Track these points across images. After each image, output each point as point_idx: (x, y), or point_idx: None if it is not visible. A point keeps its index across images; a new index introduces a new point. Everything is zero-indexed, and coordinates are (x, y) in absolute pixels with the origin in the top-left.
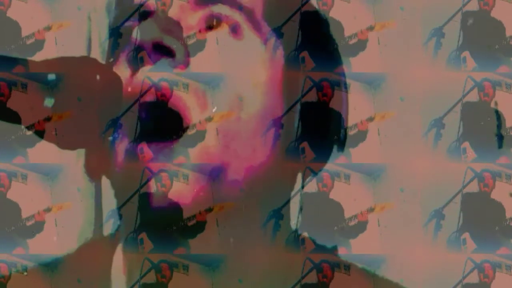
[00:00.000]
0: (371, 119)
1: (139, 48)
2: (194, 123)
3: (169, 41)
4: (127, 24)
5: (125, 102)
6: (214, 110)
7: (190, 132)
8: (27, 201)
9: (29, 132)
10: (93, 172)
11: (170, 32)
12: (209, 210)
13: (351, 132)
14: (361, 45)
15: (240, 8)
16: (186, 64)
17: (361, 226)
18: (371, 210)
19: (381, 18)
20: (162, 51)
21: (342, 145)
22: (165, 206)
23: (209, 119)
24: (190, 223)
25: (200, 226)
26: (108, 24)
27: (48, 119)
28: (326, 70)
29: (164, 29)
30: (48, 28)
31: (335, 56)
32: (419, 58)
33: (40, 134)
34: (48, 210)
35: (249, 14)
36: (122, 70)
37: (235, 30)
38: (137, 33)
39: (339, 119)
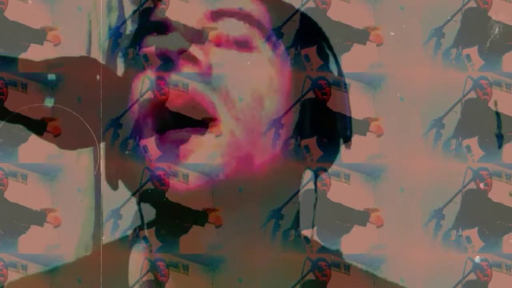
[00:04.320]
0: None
1: (164, 56)
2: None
3: (194, 51)
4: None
5: (125, 102)
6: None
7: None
8: (27, 201)
9: (29, 132)
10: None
11: (195, 41)
12: (205, 213)
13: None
14: (361, 45)
15: (259, 25)
16: (210, 73)
17: (361, 226)
18: (372, 210)
19: (381, 18)
20: (187, 59)
21: (348, 140)
22: (165, 205)
23: (209, 120)
24: (189, 222)
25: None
26: (108, 24)
27: (46, 119)
28: (325, 70)
29: (189, 39)
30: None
31: (333, 55)
32: (419, 58)
33: (40, 133)
34: (48, 210)
35: (260, 27)
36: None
37: (247, 45)
38: (159, 42)
39: (341, 118)
